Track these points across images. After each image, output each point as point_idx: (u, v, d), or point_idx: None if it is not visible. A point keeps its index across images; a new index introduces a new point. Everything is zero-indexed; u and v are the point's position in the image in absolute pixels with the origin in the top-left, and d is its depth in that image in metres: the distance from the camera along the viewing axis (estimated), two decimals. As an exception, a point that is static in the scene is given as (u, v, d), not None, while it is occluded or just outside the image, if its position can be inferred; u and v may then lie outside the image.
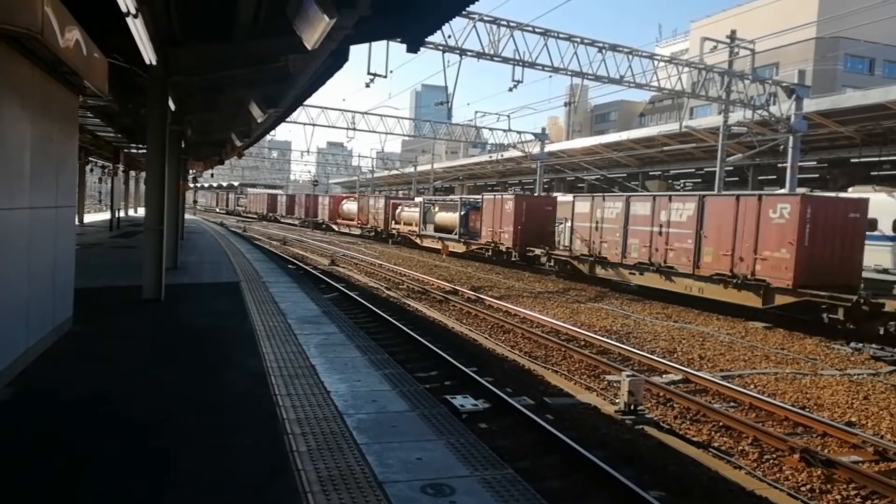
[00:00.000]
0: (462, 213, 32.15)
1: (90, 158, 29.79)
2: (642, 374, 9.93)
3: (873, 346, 13.32)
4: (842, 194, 18.66)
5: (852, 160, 27.39)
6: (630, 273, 20.17)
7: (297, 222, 63.04)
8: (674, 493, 6.11)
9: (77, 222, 26.44)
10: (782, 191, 22.88)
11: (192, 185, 46.29)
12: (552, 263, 24.69)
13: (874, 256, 18.25)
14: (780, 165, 27.63)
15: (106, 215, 34.57)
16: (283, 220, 66.57)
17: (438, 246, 34.01)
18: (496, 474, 4.20)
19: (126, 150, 28.75)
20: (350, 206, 51.79)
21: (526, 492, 3.98)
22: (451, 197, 44.21)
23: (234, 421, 5.06)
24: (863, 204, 15.84)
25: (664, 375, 10.44)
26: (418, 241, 36.88)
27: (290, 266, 22.33)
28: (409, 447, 4.60)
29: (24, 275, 5.84)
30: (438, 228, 34.83)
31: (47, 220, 6.60)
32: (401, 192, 72.40)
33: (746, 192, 20.17)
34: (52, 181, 6.72)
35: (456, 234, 32.37)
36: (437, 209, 35.72)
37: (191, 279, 13.32)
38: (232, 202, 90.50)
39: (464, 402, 8.13)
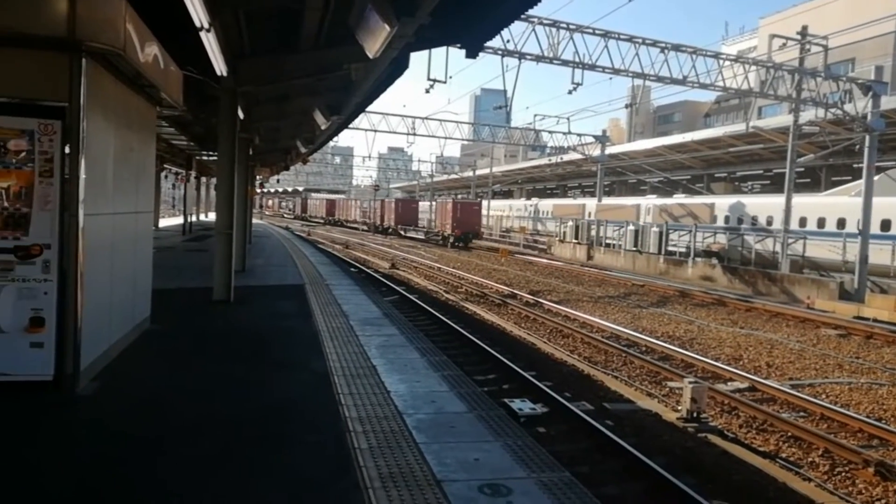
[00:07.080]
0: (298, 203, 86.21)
1: (165, 165, 31.16)
2: (706, 381, 9.70)
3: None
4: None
5: (936, 159, 25.91)
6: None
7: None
8: (738, 504, 5.98)
9: (153, 227, 27.69)
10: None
11: (259, 190, 48.39)
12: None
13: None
14: (855, 166, 26.38)
15: (179, 220, 36.08)
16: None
17: (290, 217, 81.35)
18: (553, 477, 4.23)
19: (198, 158, 29.98)
20: (269, 202, 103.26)
21: (583, 495, 3.98)
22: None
23: (299, 417, 5.25)
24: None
25: (729, 383, 10.17)
26: (284, 215, 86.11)
27: (351, 269, 22.79)
28: (467, 447, 4.67)
29: (107, 276, 6.22)
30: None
31: (128, 224, 6.98)
32: (459, 195, 73.59)
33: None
34: (133, 188, 7.11)
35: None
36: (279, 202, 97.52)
37: (258, 281, 13.79)
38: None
39: (522, 405, 8.15)
